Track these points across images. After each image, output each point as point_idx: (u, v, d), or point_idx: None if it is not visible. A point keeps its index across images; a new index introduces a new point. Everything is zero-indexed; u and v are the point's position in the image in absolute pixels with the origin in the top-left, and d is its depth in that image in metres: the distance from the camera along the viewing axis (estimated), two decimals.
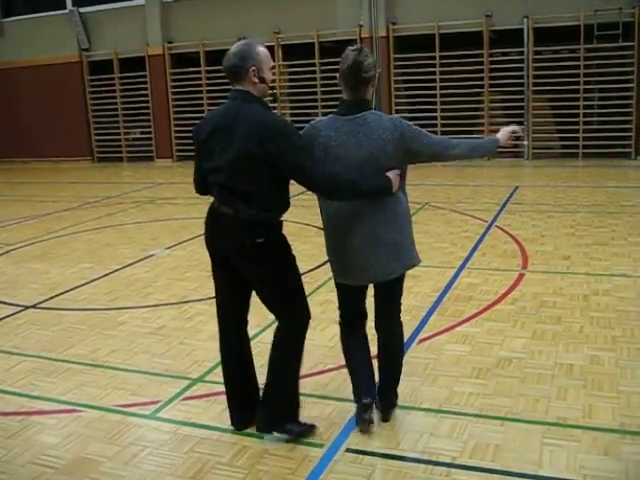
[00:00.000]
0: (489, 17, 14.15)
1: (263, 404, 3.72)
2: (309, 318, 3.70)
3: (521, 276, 6.30)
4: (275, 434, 3.67)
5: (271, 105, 3.67)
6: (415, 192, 11.01)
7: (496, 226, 8.33)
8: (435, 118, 14.71)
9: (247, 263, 3.52)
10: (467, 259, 6.97)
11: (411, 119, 14.08)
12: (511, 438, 3.60)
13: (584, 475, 3.26)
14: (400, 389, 4.13)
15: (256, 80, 3.41)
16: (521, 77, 14.16)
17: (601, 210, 9.04)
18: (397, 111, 15.37)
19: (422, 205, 9.91)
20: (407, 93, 15.70)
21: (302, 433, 3.68)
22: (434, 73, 14.89)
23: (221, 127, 3.43)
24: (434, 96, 14.94)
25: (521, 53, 14.11)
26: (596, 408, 3.89)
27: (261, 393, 3.75)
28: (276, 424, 3.68)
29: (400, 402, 4.01)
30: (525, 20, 13.92)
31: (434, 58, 14.81)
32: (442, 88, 14.83)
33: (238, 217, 3.42)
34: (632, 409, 3.87)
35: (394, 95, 15.36)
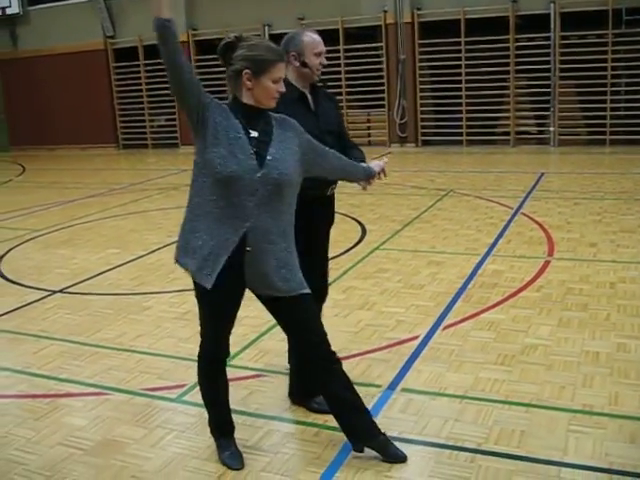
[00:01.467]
0: (515, 2, 13.99)
1: None
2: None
3: (547, 263, 6.25)
4: None
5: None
6: (440, 179, 11.01)
7: (522, 213, 8.27)
8: (460, 104, 14.59)
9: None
10: (493, 246, 6.93)
11: (436, 105, 14.11)
12: (536, 425, 3.58)
13: (610, 462, 3.23)
14: (425, 375, 4.15)
15: (297, 64, 3.63)
16: (547, 62, 14.00)
17: (628, 197, 8.92)
18: (422, 97, 15.30)
19: (447, 192, 9.86)
20: (432, 79, 15.60)
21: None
22: (459, 59, 14.76)
23: None
24: (459, 82, 14.81)
25: (547, 39, 13.94)
26: (622, 396, 3.86)
27: None
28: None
29: (425, 388, 4.02)
30: (552, 5, 13.74)
31: (459, 44, 14.68)
32: (467, 74, 14.70)
33: None
34: None
35: (419, 82, 15.26)
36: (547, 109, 14.23)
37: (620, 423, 3.59)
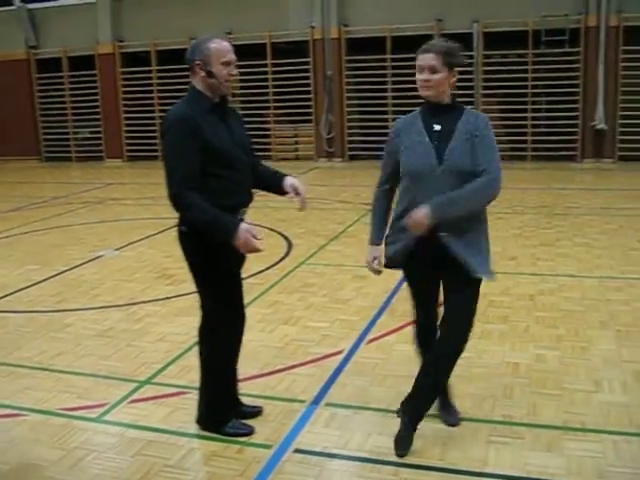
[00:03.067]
0: (440, 21, 14.31)
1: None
2: (224, 324, 3.65)
3: None
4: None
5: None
6: (365, 193, 11.05)
7: None
8: (386, 120, 14.81)
9: (182, 249, 3.61)
10: None
11: (363, 120, 14.19)
12: (458, 437, 3.64)
13: (528, 472, 3.32)
14: (349, 389, 4.16)
15: (203, 74, 3.43)
16: (471, 80, 14.35)
17: (548, 211, 9.22)
18: (349, 112, 15.46)
19: None
20: (359, 95, 15.79)
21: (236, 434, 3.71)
22: (386, 75, 15.01)
23: None
24: (385, 98, 15.05)
25: (471, 57, 14.29)
26: (540, 406, 3.97)
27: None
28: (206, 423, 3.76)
29: (348, 402, 4.04)
30: (475, 25, 14.12)
31: (385, 60, 14.92)
32: (393, 90, 14.94)
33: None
34: (575, 406, 3.96)
35: (346, 97, 15.42)
36: None
37: (538, 433, 3.69)
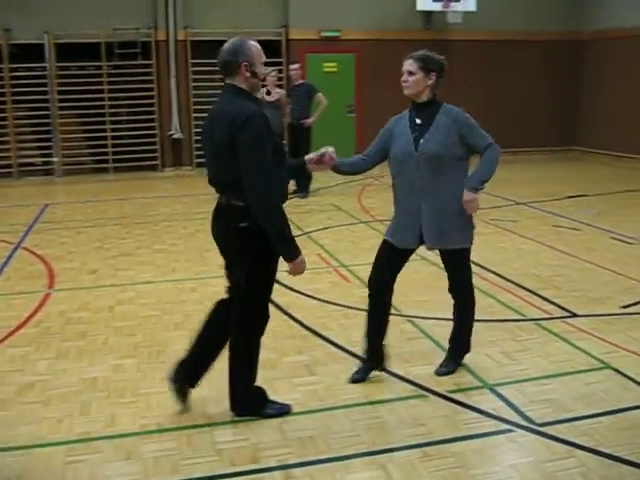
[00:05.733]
0: (8, 31, 13.57)
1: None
2: (263, 320, 3.93)
3: (47, 296, 6.17)
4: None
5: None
6: None
7: (23, 247, 7.99)
8: None
9: (228, 248, 3.81)
10: None
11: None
12: (32, 466, 3.51)
13: None
14: None
15: (248, 74, 3.66)
16: (46, 93, 13.88)
17: (129, 222, 9.33)
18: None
19: None
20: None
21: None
22: None
23: (205, 125, 3.81)
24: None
25: (44, 69, 13.82)
26: (119, 416, 4.01)
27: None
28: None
29: None
30: (45, 35, 13.68)
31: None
32: None
33: (229, 204, 3.70)
34: (151, 409, 4.09)
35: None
36: (50, 139, 14.11)
37: (117, 443, 3.72)
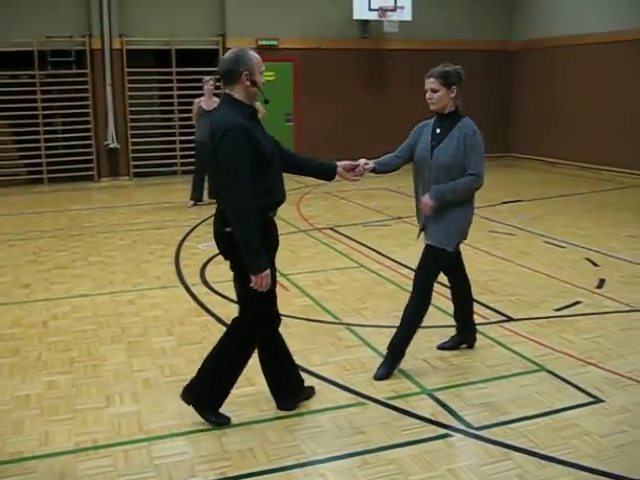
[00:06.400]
0: None
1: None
2: (267, 325, 3.98)
3: None
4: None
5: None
6: None
7: None
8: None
9: (222, 252, 3.90)
10: None
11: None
12: None
13: None
14: None
15: (248, 83, 3.73)
16: None
17: (64, 234, 9.10)
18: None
19: None
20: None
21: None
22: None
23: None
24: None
25: None
26: (53, 433, 3.91)
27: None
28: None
29: None
30: None
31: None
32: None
33: (220, 210, 3.79)
34: (87, 426, 3.99)
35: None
36: None
37: (50, 462, 3.63)
